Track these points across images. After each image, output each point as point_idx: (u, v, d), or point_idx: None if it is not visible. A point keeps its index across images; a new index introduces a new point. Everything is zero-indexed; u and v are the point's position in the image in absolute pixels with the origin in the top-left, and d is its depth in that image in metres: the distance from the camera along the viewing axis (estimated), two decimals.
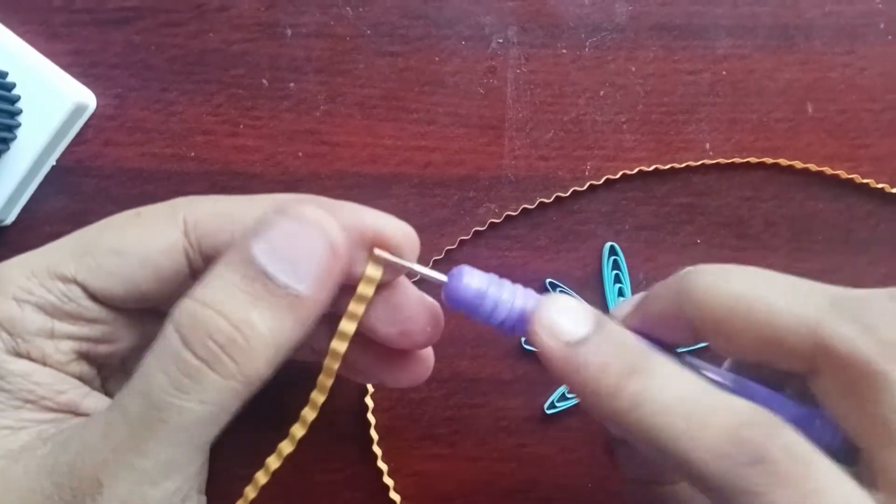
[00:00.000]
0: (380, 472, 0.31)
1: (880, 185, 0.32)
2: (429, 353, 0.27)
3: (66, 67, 0.32)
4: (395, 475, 0.31)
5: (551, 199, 0.32)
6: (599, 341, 0.21)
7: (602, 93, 0.33)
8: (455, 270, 0.23)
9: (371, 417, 0.31)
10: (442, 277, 0.23)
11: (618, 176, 0.32)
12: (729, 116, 0.33)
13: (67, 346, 0.22)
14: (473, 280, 0.23)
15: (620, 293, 0.32)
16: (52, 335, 0.21)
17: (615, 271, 0.32)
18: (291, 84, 0.32)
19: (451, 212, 0.32)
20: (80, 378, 0.22)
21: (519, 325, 0.23)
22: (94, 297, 0.21)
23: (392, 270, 0.23)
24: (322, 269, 0.20)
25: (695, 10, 0.32)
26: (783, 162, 0.32)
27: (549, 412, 0.32)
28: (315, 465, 0.31)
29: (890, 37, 0.33)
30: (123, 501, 0.19)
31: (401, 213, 0.32)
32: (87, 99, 0.32)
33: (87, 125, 0.32)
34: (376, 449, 0.31)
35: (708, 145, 0.32)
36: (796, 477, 0.18)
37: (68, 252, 0.22)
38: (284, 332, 0.19)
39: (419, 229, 0.33)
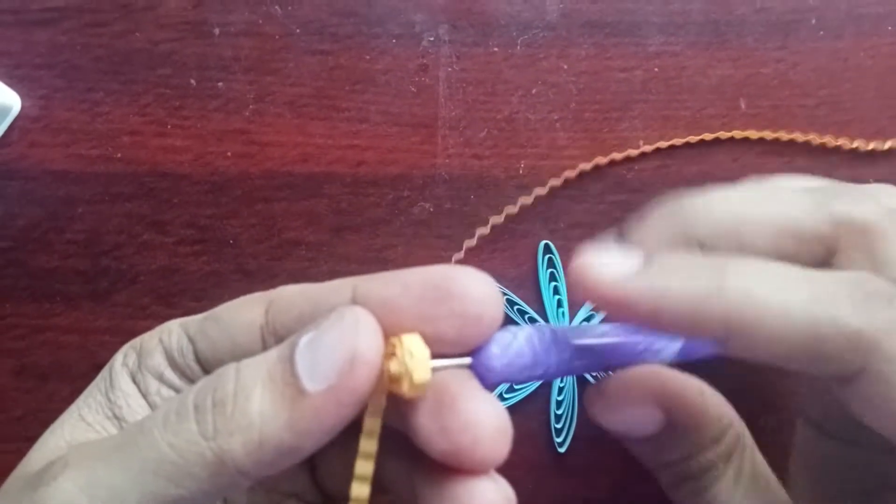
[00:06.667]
0: None
1: None
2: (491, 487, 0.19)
3: None
4: None
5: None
6: (665, 260, 0.19)
7: (535, 91, 0.32)
8: (482, 350, 0.19)
9: None
10: (465, 361, 0.19)
11: (561, 182, 0.32)
12: (662, 113, 0.32)
13: (168, 393, 0.22)
14: (505, 355, 0.19)
15: (556, 291, 0.32)
16: (161, 379, 0.22)
17: (550, 269, 0.32)
18: (220, 83, 0.32)
19: (386, 211, 0.32)
20: None
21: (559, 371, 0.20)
22: (198, 359, 0.22)
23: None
24: (336, 373, 0.17)
25: (626, 7, 0.32)
26: (722, 135, 0.32)
27: None
28: None
29: (822, 32, 0.33)
30: (68, 500, 0.18)
31: (334, 213, 0.32)
32: (12, 100, 0.31)
33: (11, 127, 0.32)
34: None
35: (642, 142, 0.32)
36: None
37: (207, 313, 0.22)
38: (274, 425, 0.17)
39: (353, 230, 0.33)
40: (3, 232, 0.31)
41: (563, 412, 0.31)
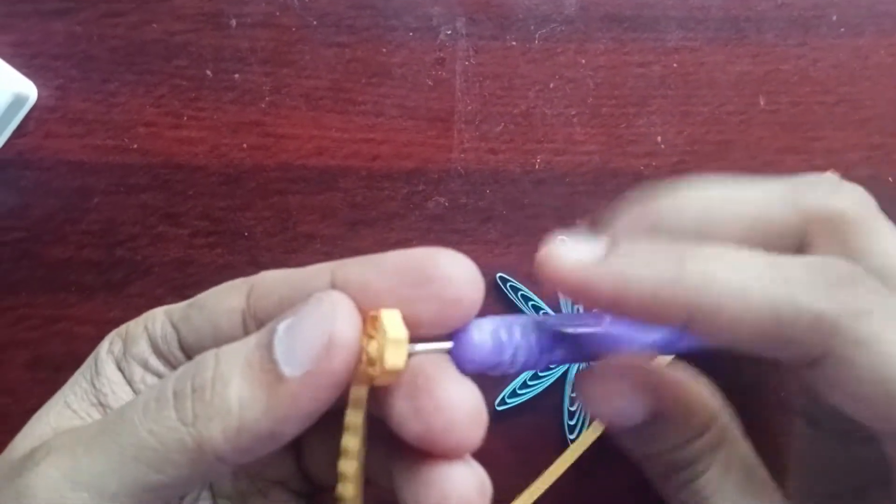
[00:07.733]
0: None
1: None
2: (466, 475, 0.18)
3: (7, 59, 0.31)
4: None
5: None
6: (627, 246, 0.19)
7: (552, 85, 0.32)
8: (462, 335, 0.19)
9: None
10: (445, 346, 0.19)
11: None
12: (680, 109, 0.32)
13: (152, 380, 0.22)
14: (486, 341, 0.19)
15: None
16: (146, 366, 0.22)
17: None
18: (236, 75, 0.32)
19: (400, 205, 0.32)
20: None
21: (539, 362, 0.20)
22: (182, 346, 0.22)
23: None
24: (313, 358, 0.17)
25: (645, 1, 0.32)
26: None
27: (499, 409, 0.31)
28: None
29: (842, 29, 0.32)
30: (50, 486, 0.18)
31: (348, 206, 0.32)
32: (28, 90, 0.31)
33: (28, 117, 0.32)
34: None
35: (659, 138, 0.32)
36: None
37: (190, 300, 0.22)
38: (253, 411, 0.18)
39: (367, 224, 0.33)
40: (18, 222, 0.31)
41: (577, 408, 0.31)
